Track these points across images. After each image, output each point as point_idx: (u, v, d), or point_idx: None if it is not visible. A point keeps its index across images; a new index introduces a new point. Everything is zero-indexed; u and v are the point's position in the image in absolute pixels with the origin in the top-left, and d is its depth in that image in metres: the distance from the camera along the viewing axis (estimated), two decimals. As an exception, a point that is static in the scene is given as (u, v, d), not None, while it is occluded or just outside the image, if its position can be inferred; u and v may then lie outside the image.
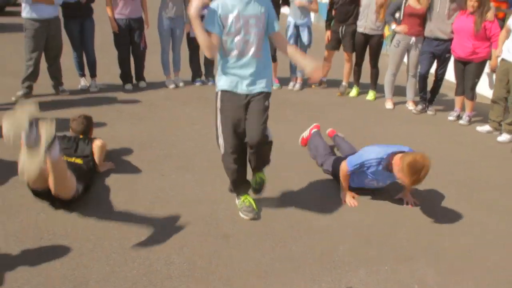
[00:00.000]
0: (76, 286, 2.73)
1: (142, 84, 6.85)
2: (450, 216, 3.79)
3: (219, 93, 3.33)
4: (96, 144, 4.04)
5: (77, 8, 6.07)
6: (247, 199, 3.61)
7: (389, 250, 3.28)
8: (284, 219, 3.59)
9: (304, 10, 6.78)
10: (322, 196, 3.98)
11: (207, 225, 3.44)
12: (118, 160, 4.41)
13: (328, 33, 6.91)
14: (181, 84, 6.97)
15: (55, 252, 3.01)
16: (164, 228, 3.36)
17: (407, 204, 3.89)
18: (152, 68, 7.18)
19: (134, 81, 6.84)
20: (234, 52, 3.20)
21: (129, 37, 6.50)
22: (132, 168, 4.26)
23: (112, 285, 2.75)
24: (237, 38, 3.15)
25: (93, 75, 6.56)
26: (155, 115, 5.69)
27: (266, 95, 3.31)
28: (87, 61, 6.51)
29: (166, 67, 6.93)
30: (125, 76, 6.69)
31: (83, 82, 6.60)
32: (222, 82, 3.31)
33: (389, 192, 4.09)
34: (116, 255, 3.03)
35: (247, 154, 3.48)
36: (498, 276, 3.08)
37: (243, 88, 3.27)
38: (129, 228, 3.33)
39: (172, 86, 6.86)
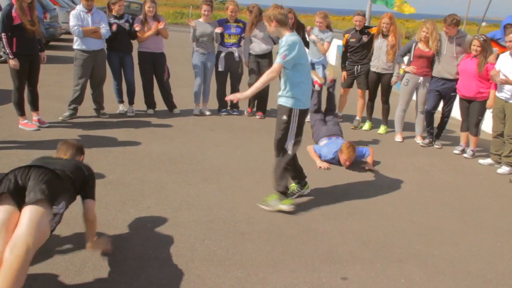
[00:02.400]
0: (117, 261, 3.31)
1: (176, 110, 7.59)
2: (442, 231, 4.25)
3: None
4: (87, 213, 3.26)
5: (116, 44, 6.93)
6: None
7: (382, 253, 3.76)
8: (294, 224, 4.13)
9: (318, 51, 7.49)
10: (329, 207, 4.50)
11: (226, 224, 4.00)
12: (151, 171, 5.04)
13: (344, 73, 7.56)
14: (207, 113, 7.68)
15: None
16: (189, 224, 3.94)
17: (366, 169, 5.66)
18: (184, 99, 7.92)
19: (166, 108, 7.60)
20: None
21: (153, 69, 7.34)
22: (163, 178, 4.88)
23: (146, 263, 3.32)
24: None
25: (131, 102, 7.34)
26: (185, 137, 6.36)
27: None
28: (127, 90, 7.31)
29: (197, 97, 7.68)
30: (149, 101, 7.52)
31: (122, 108, 7.37)
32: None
33: (387, 204, 4.60)
34: (150, 241, 3.61)
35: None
36: (476, 279, 3.53)
37: None
38: (160, 222, 3.93)
39: (197, 113, 7.60)
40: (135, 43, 7.17)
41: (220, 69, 7.52)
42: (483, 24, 23.67)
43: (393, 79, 7.12)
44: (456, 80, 6.55)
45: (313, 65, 7.55)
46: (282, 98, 4.25)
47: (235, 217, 4.15)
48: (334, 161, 5.75)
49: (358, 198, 4.80)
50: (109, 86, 7.32)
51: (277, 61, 4.06)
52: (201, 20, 7.45)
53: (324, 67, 7.56)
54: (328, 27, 7.52)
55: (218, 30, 7.27)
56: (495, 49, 6.57)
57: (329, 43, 7.49)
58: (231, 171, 5.23)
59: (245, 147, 6.15)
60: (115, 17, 6.87)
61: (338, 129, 6.31)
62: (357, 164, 5.76)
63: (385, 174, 5.60)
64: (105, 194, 4.35)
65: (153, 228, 3.82)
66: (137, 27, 6.91)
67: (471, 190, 5.36)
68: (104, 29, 6.57)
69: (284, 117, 4.20)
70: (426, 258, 3.75)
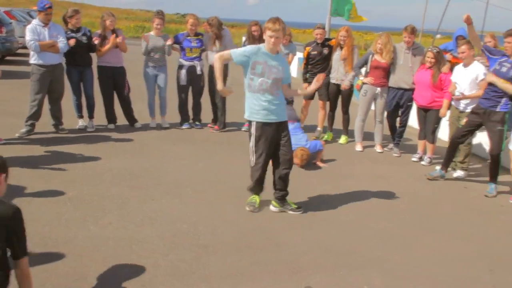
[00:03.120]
0: (77, 280, 3.23)
1: (137, 125, 7.52)
2: (401, 238, 4.36)
3: None
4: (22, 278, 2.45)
5: (76, 58, 6.81)
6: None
7: (345, 261, 3.83)
8: (258, 234, 4.14)
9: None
10: (292, 216, 4.55)
11: (190, 238, 3.98)
12: (112, 186, 4.96)
13: (305, 85, 7.66)
14: (166, 125, 7.65)
15: (58, 255, 3.51)
16: (152, 239, 3.88)
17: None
18: (145, 113, 7.83)
19: (127, 123, 7.52)
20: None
21: (113, 83, 7.26)
22: (124, 193, 4.81)
23: (106, 280, 3.26)
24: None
25: (90, 116, 7.22)
26: (146, 151, 6.30)
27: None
28: (86, 105, 7.18)
29: (151, 110, 7.65)
30: (109, 116, 7.42)
31: (81, 123, 7.23)
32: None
33: (348, 212, 4.69)
34: (111, 258, 3.54)
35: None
36: (436, 284, 3.63)
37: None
38: (122, 238, 3.86)
39: (154, 126, 7.59)
40: (94, 56, 7.07)
41: (182, 83, 7.51)
42: (438, 36, 24.63)
43: (345, 83, 7.24)
44: (412, 90, 6.77)
45: None
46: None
47: (199, 230, 4.13)
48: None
49: (321, 206, 4.87)
50: (68, 101, 7.17)
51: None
52: (152, 33, 7.44)
53: None
54: (290, 41, 7.71)
55: (169, 42, 7.28)
56: (446, 55, 6.90)
57: (294, 55, 7.67)
58: (193, 184, 5.21)
59: (207, 159, 6.14)
60: (72, 31, 6.76)
61: (293, 113, 6.80)
62: (314, 167, 5.88)
63: (346, 182, 5.71)
64: (65, 211, 4.25)
65: (115, 245, 3.75)
66: (96, 41, 6.81)
67: (429, 197, 5.53)
68: (61, 43, 6.44)
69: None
70: (387, 264, 3.83)
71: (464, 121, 5.90)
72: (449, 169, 6.44)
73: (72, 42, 6.62)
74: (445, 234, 4.52)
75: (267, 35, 4.28)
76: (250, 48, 4.40)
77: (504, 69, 5.42)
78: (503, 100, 5.51)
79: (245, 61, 4.33)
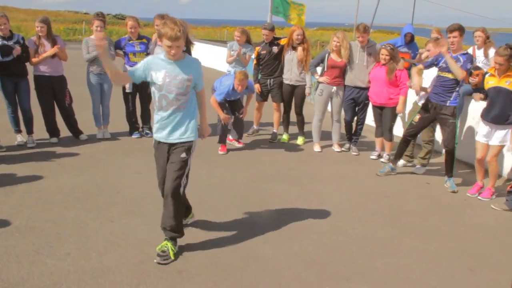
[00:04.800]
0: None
1: (82, 137, 6.99)
2: (379, 241, 4.25)
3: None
4: None
5: (11, 68, 6.19)
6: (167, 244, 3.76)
7: (328, 273, 3.64)
8: (232, 252, 3.87)
9: (240, 64, 7.37)
10: (263, 229, 4.31)
11: (160, 264, 3.64)
12: (65, 210, 4.50)
13: (257, 85, 7.45)
14: (108, 135, 7.18)
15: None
16: (118, 269, 3.51)
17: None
18: (90, 123, 7.30)
19: (71, 135, 6.97)
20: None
21: (52, 94, 6.70)
22: (80, 217, 4.36)
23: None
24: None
25: (29, 131, 6.59)
26: (98, 166, 5.82)
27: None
28: (23, 118, 6.56)
29: (97, 119, 7.15)
30: (51, 129, 6.84)
31: (20, 138, 6.59)
32: None
33: (321, 219, 4.53)
34: (75, 296, 3.15)
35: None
36: (422, 287, 3.54)
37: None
38: (85, 270, 3.45)
39: (101, 136, 7.11)
40: (30, 65, 6.47)
41: (128, 90, 7.07)
42: (371, 30, 25.36)
43: (307, 90, 7.16)
44: (368, 88, 6.74)
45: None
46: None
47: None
48: (233, 93, 6.59)
49: (295, 216, 4.66)
50: (2, 115, 6.53)
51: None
52: (93, 37, 6.93)
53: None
54: (248, 41, 7.52)
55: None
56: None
57: (250, 55, 7.45)
58: (155, 200, 4.79)
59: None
60: (3, 38, 6.11)
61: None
62: (285, 178, 5.67)
63: (312, 186, 5.56)
64: (14, 244, 3.77)
65: (78, 279, 3.34)
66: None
67: (395, 194, 5.49)
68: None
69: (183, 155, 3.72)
70: (371, 272, 3.70)
71: (417, 117, 5.93)
72: (409, 164, 6.48)
73: (18, 51, 6.06)
74: (418, 233, 4.47)
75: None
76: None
77: (458, 64, 5.48)
78: (453, 94, 5.59)
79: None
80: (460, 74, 5.43)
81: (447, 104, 5.62)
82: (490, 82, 5.37)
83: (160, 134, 3.71)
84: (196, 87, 3.74)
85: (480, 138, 5.51)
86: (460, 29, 5.51)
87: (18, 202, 4.64)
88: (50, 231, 4.06)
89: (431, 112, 5.76)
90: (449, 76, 5.58)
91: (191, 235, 4.08)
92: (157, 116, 3.70)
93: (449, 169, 5.83)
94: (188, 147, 3.70)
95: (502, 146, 5.40)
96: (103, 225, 4.23)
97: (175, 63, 3.55)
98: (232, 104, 6.85)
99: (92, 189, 5.05)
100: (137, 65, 3.67)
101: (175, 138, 3.68)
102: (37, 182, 5.20)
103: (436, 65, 5.78)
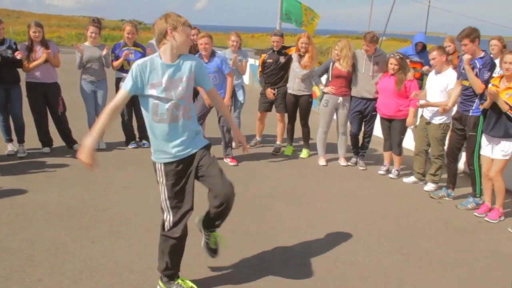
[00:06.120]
0: None
1: (76, 147, 6.70)
2: (384, 271, 3.85)
3: None
4: None
5: (2, 74, 5.94)
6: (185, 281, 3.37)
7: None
8: (222, 281, 3.51)
9: (237, 73, 7.01)
10: (256, 255, 3.94)
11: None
12: (44, 228, 4.18)
13: (269, 90, 7.05)
14: (103, 146, 6.89)
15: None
16: (92, 300, 3.18)
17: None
18: (86, 132, 6.99)
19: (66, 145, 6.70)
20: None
21: (45, 102, 6.43)
22: (59, 237, 4.04)
23: None
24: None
25: (20, 140, 6.32)
26: (87, 179, 5.51)
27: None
28: (14, 127, 6.30)
29: None
30: (43, 139, 6.57)
31: (10, 147, 6.33)
32: None
33: (322, 243, 4.14)
34: (38, 332, 2.81)
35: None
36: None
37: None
38: (54, 302, 3.12)
39: (97, 147, 6.75)
40: (23, 72, 6.20)
41: None
42: (383, 38, 24.96)
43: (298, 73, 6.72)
44: (376, 99, 6.36)
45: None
46: None
47: (150, 281, 3.44)
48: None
49: (289, 238, 4.29)
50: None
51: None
52: (87, 43, 6.65)
53: (243, 89, 7.09)
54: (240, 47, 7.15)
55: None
56: None
57: (247, 62, 7.11)
58: (142, 218, 4.51)
59: (157, 186, 5.39)
60: (-7, 43, 5.88)
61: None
62: (286, 196, 5.30)
63: (314, 204, 5.19)
64: (-17, 268, 3.46)
65: (44, 311, 3.02)
66: (18, 55, 5.90)
67: (403, 215, 5.08)
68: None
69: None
70: (373, 308, 3.32)
71: (449, 133, 5.58)
72: (420, 182, 6.08)
73: (20, 54, 5.86)
74: (427, 261, 4.05)
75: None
76: None
77: (475, 71, 5.08)
78: (475, 103, 5.17)
79: None
80: (478, 87, 5.01)
81: (470, 114, 5.22)
82: None
83: (181, 152, 3.10)
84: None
85: (483, 151, 5.10)
86: (469, 35, 5.03)
87: (-3, 218, 4.34)
88: (25, 252, 3.74)
89: (458, 122, 5.37)
90: (467, 84, 5.19)
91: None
92: (166, 132, 3.05)
93: (473, 188, 5.40)
94: (208, 146, 3.25)
95: (506, 160, 4.95)
96: (83, 247, 3.90)
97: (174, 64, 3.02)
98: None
99: (77, 206, 4.74)
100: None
101: (197, 145, 3.17)
102: (21, 196, 4.91)
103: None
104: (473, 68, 5.07)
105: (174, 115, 3.01)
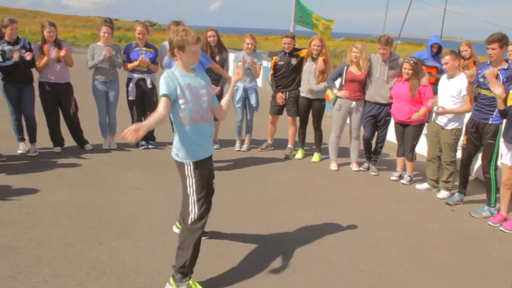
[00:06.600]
0: None
1: (87, 147, 6.74)
2: (393, 280, 3.77)
3: None
4: None
5: (15, 74, 5.96)
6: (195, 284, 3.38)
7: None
8: (232, 280, 3.46)
9: (251, 75, 6.97)
10: (265, 260, 3.89)
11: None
12: (53, 228, 4.18)
13: (279, 95, 7.02)
14: (114, 146, 6.90)
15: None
16: (98, 302, 3.15)
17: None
18: (97, 132, 7.02)
19: (77, 144, 6.72)
20: None
21: (57, 102, 6.45)
22: (67, 237, 4.03)
23: None
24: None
25: (32, 140, 6.35)
26: (97, 180, 5.51)
27: None
28: (26, 126, 6.32)
29: (103, 128, 6.88)
30: (55, 138, 6.59)
31: (22, 147, 6.36)
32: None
33: (331, 250, 4.07)
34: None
35: None
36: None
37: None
38: (60, 304, 3.10)
39: (106, 147, 6.83)
40: (36, 72, 6.23)
41: (131, 98, 6.76)
42: (398, 42, 24.75)
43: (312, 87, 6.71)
44: (390, 104, 6.27)
45: (246, 91, 7.02)
46: None
47: (157, 284, 3.41)
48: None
49: (298, 243, 4.23)
50: (4, 122, 6.29)
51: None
52: (100, 43, 6.66)
53: (257, 92, 7.05)
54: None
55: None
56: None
57: (261, 65, 7.05)
58: (151, 220, 4.48)
59: (167, 187, 5.38)
60: (9, 43, 5.90)
61: None
62: (296, 201, 5.24)
63: (324, 209, 5.11)
64: (-10, 267, 3.46)
65: (49, 312, 3.00)
66: (28, 56, 5.88)
67: (414, 222, 4.99)
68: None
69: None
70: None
71: (464, 139, 5.47)
72: (433, 189, 5.97)
73: (16, 55, 5.82)
74: (439, 270, 3.96)
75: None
76: None
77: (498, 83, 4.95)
78: (496, 111, 5.05)
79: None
80: (501, 103, 4.85)
81: (489, 122, 5.12)
82: None
83: (204, 151, 3.41)
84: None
85: (504, 159, 4.97)
86: (501, 40, 4.90)
87: (6, 217, 4.34)
88: (32, 252, 3.74)
89: (474, 130, 5.28)
90: (487, 93, 5.07)
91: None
92: (192, 132, 3.28)
93: (488, 196, 5.30)
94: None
95: None
96: (91, 248, 3.88)
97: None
98: None
99: (86, 206, 4.73)
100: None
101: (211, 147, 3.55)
102: (31, 196, 4.91)
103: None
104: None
105: (198, 117, 3.27)
